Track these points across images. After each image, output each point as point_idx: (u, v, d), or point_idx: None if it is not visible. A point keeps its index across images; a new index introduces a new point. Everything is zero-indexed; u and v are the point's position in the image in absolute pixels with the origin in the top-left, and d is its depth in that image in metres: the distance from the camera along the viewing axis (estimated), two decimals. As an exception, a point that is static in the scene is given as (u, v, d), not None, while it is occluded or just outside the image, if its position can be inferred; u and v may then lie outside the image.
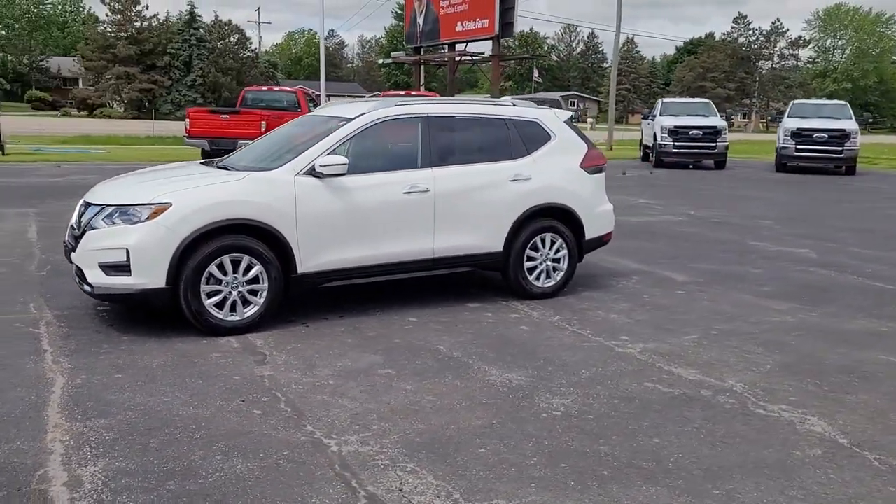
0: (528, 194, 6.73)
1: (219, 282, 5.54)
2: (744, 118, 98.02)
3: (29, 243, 8.96)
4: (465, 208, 6.45)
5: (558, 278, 7.01)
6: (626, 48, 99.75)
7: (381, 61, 78.18)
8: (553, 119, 7.10)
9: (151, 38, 62.30)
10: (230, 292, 5.59)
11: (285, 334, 5.70)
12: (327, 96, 27.61)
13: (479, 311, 6.50)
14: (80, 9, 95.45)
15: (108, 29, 62.96)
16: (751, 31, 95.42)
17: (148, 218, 5.38)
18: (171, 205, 5.40)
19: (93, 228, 5.52)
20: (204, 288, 5.49)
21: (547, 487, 3.51)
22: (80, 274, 5.60)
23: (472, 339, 5.73)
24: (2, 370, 4.78)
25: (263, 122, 18.50)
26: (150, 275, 5.36)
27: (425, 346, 5.52)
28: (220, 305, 5.58)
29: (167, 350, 5.26)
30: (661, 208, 13.81)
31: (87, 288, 5.55)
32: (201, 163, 6.81)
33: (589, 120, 69.81)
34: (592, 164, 7.19)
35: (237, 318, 5.64)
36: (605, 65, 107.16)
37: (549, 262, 6.95)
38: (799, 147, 21.98)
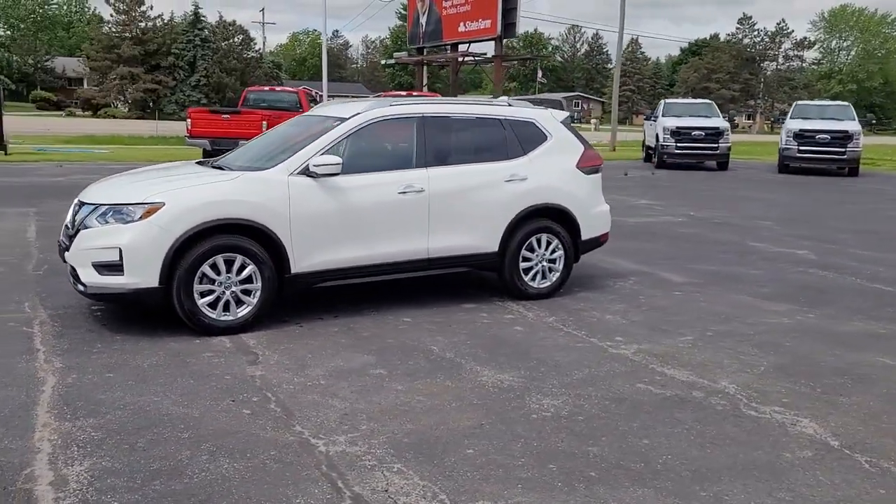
0: (523, 195, 6.71)
1: (212, 281, 5.54)
2: (748, 119, 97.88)
3: (27, 243, 8.97)
4: (460, 208, 6.44)
5: (554, 279, 7.00)
6: (630, 49, 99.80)
7: (383, 62, 78.21)
8: (549, 119, 7.08)
9: (156, 38, 62.46)
10: (223, 292, 5.59)
11: (279, 334, 5.69)
12: (329, 97, 27.62)
13: (474, 312, 6.48)
14: (85, 9, 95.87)
15: (113, 29, 63.13)
16: (755, 32, 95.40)
17: (141, 217, 5.38)
18: (164, 204, 5.39)
19: (86, 228, 5.52)
20: (197, 287, 5.48)
21: (533, 488, 3.49)
22: (74, 273, 5.60)
23: (466, 339, 5.72)
24: (-7, 369, 4.78)
25: (265, 123, 18.51)
26: (142, 274, 5.36)
27: (419, 347, 5.51)
28: (213, 305, 5.57)
29: (160, 350, 5.25)
30: (661, 209, 13.78)
31: (80, 287, 5.55)
32: (196, 162, 6.81)
33: (592, 121, 69.79)
34: (589, 165, 7.17)
35: (230, 317, 5.63)
36: (609, 66, 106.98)
37: (544, 263, 6.93)
38: (801, 148, 21.92)
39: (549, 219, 6.91)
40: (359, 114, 6.24)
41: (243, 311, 5.68)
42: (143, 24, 63.13)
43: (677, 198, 15.78)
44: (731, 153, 23.83)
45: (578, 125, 54.08)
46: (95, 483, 3.41)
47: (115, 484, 3.40)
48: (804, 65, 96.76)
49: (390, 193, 6.16)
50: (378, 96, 18.85)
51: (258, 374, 4.85)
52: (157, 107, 55.87)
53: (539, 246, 6.88)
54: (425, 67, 34.75)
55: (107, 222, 5.47)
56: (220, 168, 6.28)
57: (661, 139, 22.95)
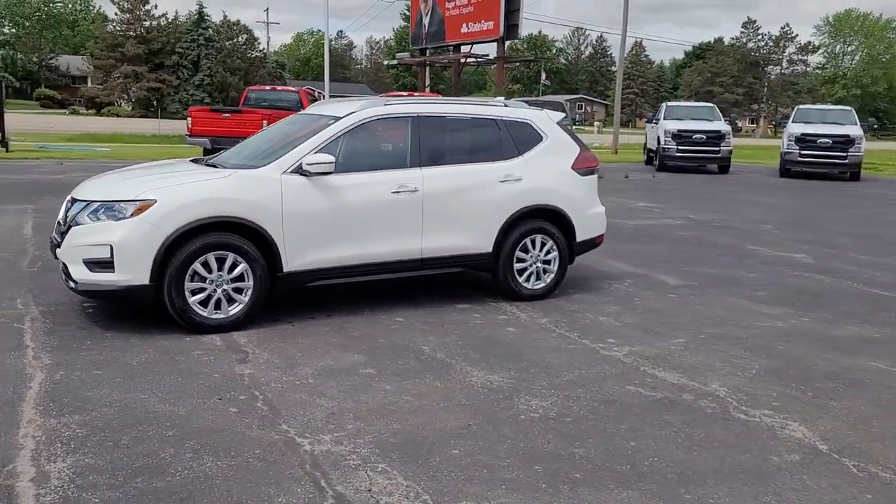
0: (518, 195, 6.69)
1: (203, 279, 5.52)
2: (752, 123, 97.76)
3: (24, 239, 8.97)
4: (453, 209, 6.42)
5: (548, 280, 6.97)
6: (634, 52, 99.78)
7: (386, 62, 78.25)
8: (545, 120, 7.07)
9: (160, 37, 62.48)
10: (215, 290, 5.57)
11: (270, 333, 5.68)
12: (332, 97, 27.62)
13: (467, 312, 6.46)
14: (90, 7, 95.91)
15: (117, 28, 63.17)
16: (760, 36, 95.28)
17: (132, 214, 5.37)
18: (155, 201, 5.38)
19: (78, 224, 5.51)
20: (188, 285, 5.47)
21: (517, 489, 3.47)
22: (66, 270, 5.59)
23: (458, 339, 5.70)
24: (-18, 365, 4.77)
25: (265, 122, 18.50)
26: (133, 271, 5.35)
27: (410, 347, 5.49)
28: (204, 303, 5.56)
29: (149, 347, 5.24)
30: (661, 211, 13.75)
31: (71, 284, 5.55)
32: (191, 160, 6.80)
33: (595, 123, 69.71)
34: (584, 166, 7.15)
35: (222, 315, 5.62)
36: (613, 68, 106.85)
37: (539, 264, 6.91)
38: (803, 152, 21.87)
39: (543, 220, 6.89)
40: (353, 113, 6.23)
41: (235, 310, 5.66)
42: (147, 23, 63.12)
43: (677, 201, 15.75)
44: (732, 157, 23.76)
45: (581, 128, 54.15)
46: (77, 480, 3.39)
47: (96, 481, 3.39)
48: (808, 69, 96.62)
49: (384, 193, 6.14)
50: (382, 97, 18.82)
51: (247, 373, 4.84)
52: (161, 105, 55.91)
53: (533, 247, 6.86)
54: (428, 68, 34.76)
55: (98, 219, 5.46)
56: (214, 166, 6.27)
57: (662, 142, 22.92)
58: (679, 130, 22.68)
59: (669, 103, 26.60)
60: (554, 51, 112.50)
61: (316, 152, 5.90)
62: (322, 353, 5.28)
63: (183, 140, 22.60)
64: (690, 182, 20.31)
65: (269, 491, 3.38)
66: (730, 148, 23.14)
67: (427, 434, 4.03)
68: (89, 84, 70.36)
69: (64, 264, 5.61)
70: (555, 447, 3.93)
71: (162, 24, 63.83)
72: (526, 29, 27.39)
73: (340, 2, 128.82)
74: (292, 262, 5.81)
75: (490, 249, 6.65)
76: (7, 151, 20.70)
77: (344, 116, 6.19)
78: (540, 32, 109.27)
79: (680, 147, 22.62)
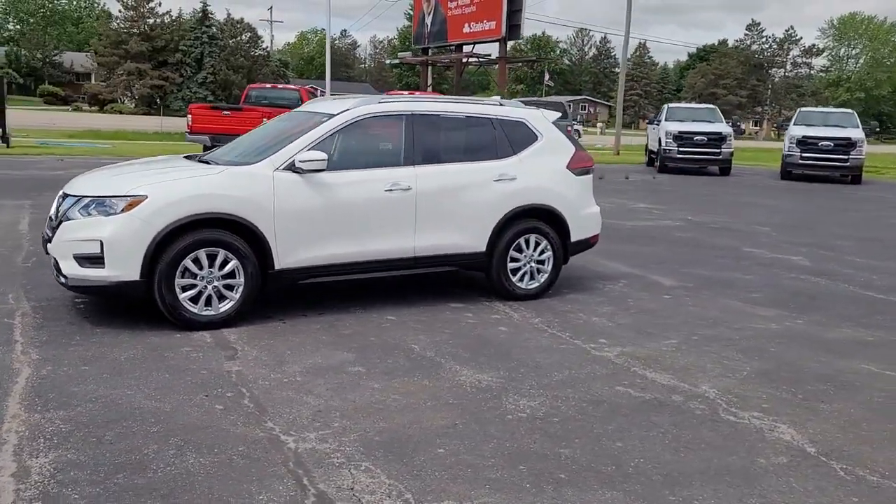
0: (512, 194, 6.67)
1: (194, 276, 5.51)
2: (755, 126, 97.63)
3: (19, 235, 8.96)
4: (447, 207, 6.40)
5: (542, 280, 6.95)
6: (638, 54, 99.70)
7: (388, 62, 78.25)
8: (540, 119, 7.04)
9: (164, 34, 62.51)
10: (205, 287, 5.56)
11: (260, 330, 5.66)
12: (333, 95, 27.61)
13: (460, 312, 6.44)
14: (95, 4, 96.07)
15: (121, 25, 63.21)
16: (764, 39, 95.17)
17: (123, 210, 5.35)
18: (146, 197, 5.37)
19: (68, 219, 5.50)
20: (179, 282, 5.46)
21: (501, 489, 3.45)
22: (56, 265, 5.58)
23: (449, 338, 5.68)
24: (-31, 359, 4.76)
25: (265, 120, 18.45)
26: (123, 267, 5.33)
27: (400, 345, 5.47)
28: (195, 299, 5.55)
29: (138, 343, 5.23)
30: (660, 213, 13.72)
31: (62, 279, 5.53)
32: (184, 157, 6.78)
33: (598, 125, 69.59)
34: (579, 166, 7.12)
35: (212, 312, 5.61)
36: (616, 69, 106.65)
37: (533, 264, 6.89)
38: (804, 155, 21.81)
39: (538, 219, 6.86)
40: (347, 110, 6.21)
41: (225, 307, 5.65)
42: (151, 21, 63.18)
43: (677, 202, 15.72)
44: (733, 159, 23.71)
45: (584, 129, 53.99)
46: (58, 475, 3.38)
47: (77, 477, 3.37)
48: (812, 72, 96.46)
49: (377, 191, 6.12)
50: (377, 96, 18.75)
51: (235, 370, 4.82)
52: (164, 103, 55.91)
53: (527, 247, 6.84)
54: (430, 68, 34.74)
55: (89, 214, 5.44)
56: (207, 163, 6.25)
57: (663, 143, 22.88)
58: (680, 132, 22.63)
59: (671, 105, 26.55)
60: (558, 52, 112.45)
61: (309, 149, 5.88)
62: (311, 350, 5.27)
63: (184, 137, 22.58)
64: (691, 184, 20.27)
65: (251, 488, 3.36)
66: (731, 150, 23.09)
67: (413, 433, 4.01)
68: (93, 81, 70.44)
69: (55, 259, 5.59)
70: (541, 447, 3.91)
71: (166, 21, 63.86)
72: (530, 29, 27.44)
73: (344, 1, 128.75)
74: (284, 259, 5.80)
75: (484, 249, 6.63)
76: (8, 147, 20.71)
77: (338, 114, 6.17)
78: (544, 33, 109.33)
79: (681, 149, 22.57)
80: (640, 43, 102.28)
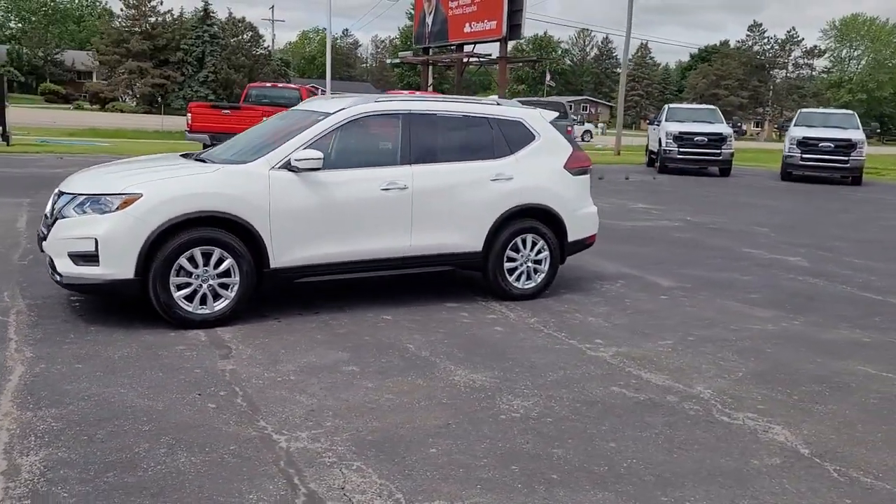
0: (509, 194, 6.66)
1: (189, 274, 5.50)
2: (757, 127, 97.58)
3: (17, 233, 8.96)
4: (443, 206, 6.39)
5: (539, 280, 6.94)
6: (639, 54, 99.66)
7: (388, 61, 78.24)
8: (538, 119, 7.03)
9: (165, 33, 62.60)
10: (200, 285, 5.55)
11: (255, 329, 5.65)
12: (332, 94, 27.58)
13: (455, 311, 6.43)
14: (97, 3, 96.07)
15: (123, 24, 63.27)
16: (765, 40, 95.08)
17: (118, 208, 5.34)
18: (141, 195, 5.36)
19: (63, 217, 5.49)
20: (174, 280, 5.45)
21: (493, 489, 3.44)
22: (51, 263, 5.57)
23: (444, 338, 5.67)
24: (-37, 357, 4.75)
25: (265, 119, 18.46)
26: (118, 265, 5.32)
27: (395, 345, 5.46)
28: (190, 298, 5.54)
29: (133, 341, 5.22)
30: (658, 213, 13.70)
31: (57, 277, 5.52)
32: (181, 155, 6.77)
33: (600, 125, 69.50)
34: (577, 166, 7.11)
35: (207, 311, 5.60)
36: (618, 70, 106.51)
37: (529, 264, 6.87)
38: (804, 156, 21.78)
39: (534, 219, 6.85)
40: (343, 109, 6.20)
41: (220, 305, 5.64)
42: (152, 19, 63.26)
43: (676, 203, 15.70)
44: (734, 159, 23.69)
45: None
46: (48, 474, 3.37)
47: (67, 475, 3.36)
48: (814, 73, 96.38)
49: (373, 189, 6.11)
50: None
51: (229, 369, 4.81)
52: (165, 102, 55.93)
53: (524, 246, 6.82)
54: (431, 68, 34.72)
55: (84, 212, 5.43)
56: (203, 161, 6.24)
57: (663, 144, 22.85)
58: (681, 132, 22.60)
59: (671, 105, 26.50)
60: (559, 52, 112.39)
61: (305, 148, 5.87)
62: (306, 349, 5.26)
63: (184, 136, 22.58)
64: (690, 184, 20.25)
65: (241, 487, 3.35)
66: (731, 150, 23.05)
67: (405, 432, 4.00)
68: (94, 79, 70.49)
69: (50, 257, 5.59)
70: (533, 447, 3.90)
71: (167, 20, 63.94)
72: (532, 30, 27.40)
73: (346, 0, 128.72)
74: (279, 258, 5.79)
75: (480, 248, 6.62)
76: (8, 145, 20.72)
77: (334, 113, 6.16)
78: (545, 33, 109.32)
79: (681, 149, 22.54)
80: (641, 43, 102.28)
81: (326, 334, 5.62)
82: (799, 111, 25.21)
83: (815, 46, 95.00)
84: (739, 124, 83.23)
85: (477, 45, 29.29)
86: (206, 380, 4.60)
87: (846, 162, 21.54)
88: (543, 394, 4.63)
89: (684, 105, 28.49)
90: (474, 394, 4.59)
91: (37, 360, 4.78)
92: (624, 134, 36.01)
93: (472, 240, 6.56)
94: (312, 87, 27.00)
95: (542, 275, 6.95)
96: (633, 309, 6.79)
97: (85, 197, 5.49)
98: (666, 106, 26.12)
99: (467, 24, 28.17)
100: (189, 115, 19.77)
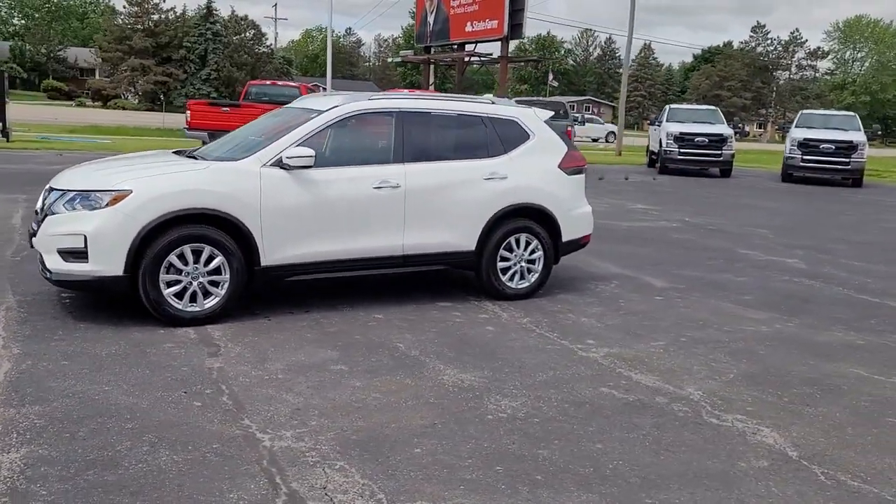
0: (503, 193, 6.63)
1: (179, 271, 5.48)
2: (759, 128, 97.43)
3: (11, 229, 8.94)
4: (436, 205, 6.36)
5: (532, 280, 6.91)
6: (643, 55, 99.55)
7: (390, 60, 78.19)
8: (532, 118, 7.00)
9: (168, 31, 62.58)
10: (190, 282, 5.53)
11: (245, 327, 5.62)
12: (331, 92, 27.54)
13: (448, 311, 6.40)
14: (100, 0, 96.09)
15: (125, 21, 63.28)
16: (769, 41, 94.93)
17: (107, 204, 5.32)
18: (131, 192, 5.34)
19: (53, 213, 5.47)
20: (163, 277, 5.42)
21: (476, 490, 3.42)
22: (42, 259, 5.55)
23: (434, 337, 5.64)
24: (-51, 353, 4.73)
25: (264, 117, 18.42)
26: (107, 262, 5.30)
27: (385, 344, 5.43)
28: (179, 295, 5.51)
29: (121, 339, 5.19)
30: (657, 214, 13.66)
31: (47, 274, 5.50)
32: (173, 152, 6.75)
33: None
34: (571, 166, 7.07)
35: (197, 308, 5.57)
36: (621, 70, 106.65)
37: (523, 264, 6.84)
38: (805, 157, 21.72)
39: (528, 219, 6.82)
40: (336, 107, 6.17)
41: (210, 303, 5.61)
42: (155, 17, 63.26)
43: (675, 203, 15.66)
44: (735, 160, 23.64)
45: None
46: (27, 471, 3.34)
47: (47, 473, 3.34)
48: (817, 75, 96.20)
49: (365, 188, 6.08)
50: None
51: (216, 367, 4.79)
52: (167, 99, 55.89)
53: (518, 246, 6.79)
54: (433, 67, 34.69)
55: (74, 209, 5.41)
56: (195, 158, 6.22)
57: (664, 144, 22.80)
58: (681, 133, 22.55)
59: (672, 106, 26.43)
60: (562, 52, 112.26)
61: (297, 146, 5.84)
62: (295, 348, 5.23)
63: (184, 133, 22.56)
64: (691, 185, 20.20)
65: (222, 486, 3.33)
66: (732, 152, 23.00)
67: (390, 432, 3.97)
68: (97, 76, 70.50)
69: (40, 254, 5.57)
70: (519, 448, 3.87)
71: (170, 17, 63.93)
72: (535, 30, 27.36)
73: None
74: (270, 256, 5.76)
75: (473, 247, 6.59)
76: (8, 141, 20.71)
77: (326, 110, 6.14)
78: (549, 33, 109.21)
79: (682, 150, 22.49)
80: (644, 44, 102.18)
81: (317, 333, 5.60)
82: (800, 112, 25.14)
83: (819, 48, 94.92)
84: (741, 125, 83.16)
85: (478, 45, 29.25)
86: (192, 378, 4.58)
87: (847, 164, 21.48)
88: (532, 394, 4.61)
89: (685, 106, 28.44)
90: (462, 394, 4.56)
91: (24, 356, 4.76)
92: (626, 134, 35.94)
93: (465, 239, 6.53)
94: (314, 85, 26.96)
95: (536, 274, 6.92)
96: (627, 310, 6.76)
97: (75, 193, 5.47)
98: (667, 106, 26.07)
99: (469, 24, 28.13)
100: (188, 112, 19.74)
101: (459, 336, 5.72)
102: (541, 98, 40.34)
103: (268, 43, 71.07)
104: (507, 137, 6.79)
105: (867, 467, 3.84)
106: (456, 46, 30.27)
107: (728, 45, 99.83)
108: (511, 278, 6.82)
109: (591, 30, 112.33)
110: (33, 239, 5.63)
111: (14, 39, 76.67)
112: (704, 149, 22.55)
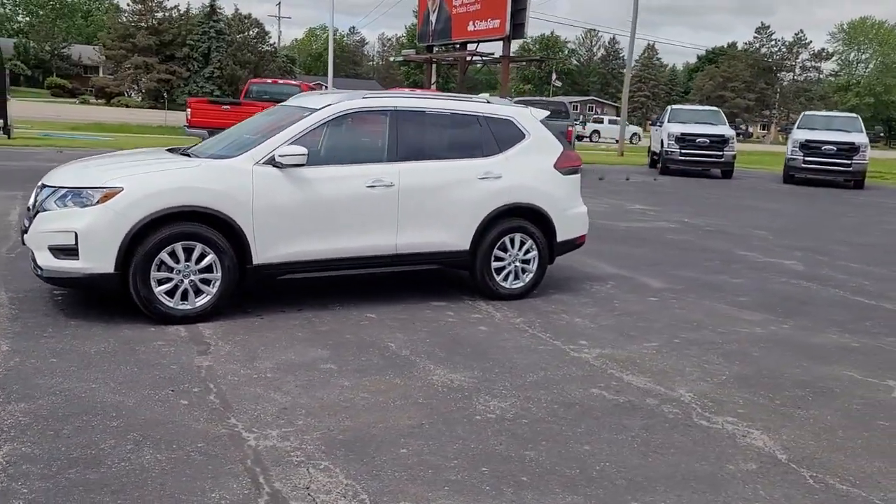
0: (497, 193, 6.60)
1: (170, 269, 5.46)
2: (763, 129, 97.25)
3: (7, 225, 8.94)
4: (430, 204, 6.33)
5: (527, 280, 6.88)
6: (646, 55, 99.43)
7: (392, 59, 78.16)
8: (528, 118, 6.97)
9: (171, 28, 62.61)
10: (182, 280, 5.51)
11: (236, 325, 5.61)
12: (328, 91, 27.48)
13: (441, 310, 6.38)
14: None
15: (129, 19, 63.33)
16: (773, 42, 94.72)
17: (98, 202, 5.30)
18: (122, 189, 5.32)
19: (44, 210, 5.45)
20: (154, 275, 5.41)
21: (460, 491, 3.39)
22: (33, 256, 5.54)
23: (426, 337, 5.62)
24: (-62, 350, 4.72)
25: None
26: (98, 259, 5.29)
27: (376, 343, 5.41)
28: (171, 293, 5.50)
29: (111, 336, 5.18)
30: (655, 215, 13.63)
31: (38, 271, 5.49)
32: (167, 149, 6.73)
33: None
34: (567, 165, 7.04)
35: (188, 306, 5.55)
36: (625, 70, 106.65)
37: (517, 263, 6.82)
38: (807, 159, 21.66)
39: (523, 218, 6.79)
40: (329, 105, 6.15)
41: (202, 301, 5.60)
42: (159, 15, 63.32)
43: (675, 204, 15.62)
44: (736, 161, 23.58)
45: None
46: (9, 469, 3.33)
47: (29, 471, 3.32)
48: (821, 76, 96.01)
49: (358, 186, 6.06)
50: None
51: (205, 365, 4.77)
52: (170, 97, 55.90)
53: (512, 246, 6.77)
54: (435, 66, 34.63)
55: (65, 205, 5.40)
56: (188, 156, 6.20)
57: (665, 145, 22.75)
58: (683, 134, 22.50)
59: (674, 106, 26.38)
60: (566, 52, 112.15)
61: (290, 144, 5.82)
62: (285, 347, 5.21)
63: (184, 131, 22.57)
64: (691, 186, 20.15)
65: (205, 486, 3.31)
66: (733, 153, 22.93)
67: (377, 432, 3.95)
68: (100, 74, 70.61)
69: (32, 250, 5.55)
70: (506, 449, 3.84)
71: (174, 15, 63.97)
72: (539, 29, 27.24)
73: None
74: (262, 254, 5.74)
75: (467, 247, 6.56)
76: (9, 138, 20.73)
77: (320, 109, 6.12)
78: (552, 33, 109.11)
79: (683, 151, 22.45)
80: (648, 44, 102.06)
81: (308, 332, 5.58)
82: (802, 114, 25.07)
83: (823, 49, 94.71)
84: (743, 126, 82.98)
85: (481, 44, 29.19)
86: (180, 376, 4.56)
87: (849, 165, 21.42)
88: (521, 395, 4.58)
89: (687, 106, 28.36)
90: (451, 394, 4.54)
91: (12, 353, 4.74)
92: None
93: (459, 238, 6.50)
94: (316, 84, 26.92)
95: (531, 275, 6.89)
96: (622, 310, 6.73)
97: (66, 190, 5.46)
98: (669, 107, 26.02)
99: (471, 23, 28.07)
100: (188, 110, 19.74)
101: (451, 336, 5.69)
102: (542, 98, 40.26)
103: (271, 41, 71.08)
104: (503, 137, 6.76)
105: (856, 471, 3.81)
106: (458, 46, 30.21)
107: (732, 45, 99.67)
108: (505, 278, 6.79)
109: (594, 30, 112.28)
110: (25, 236, 5.61)
111: (18, 37, 76.81)
112: (706, 150, 22.50)
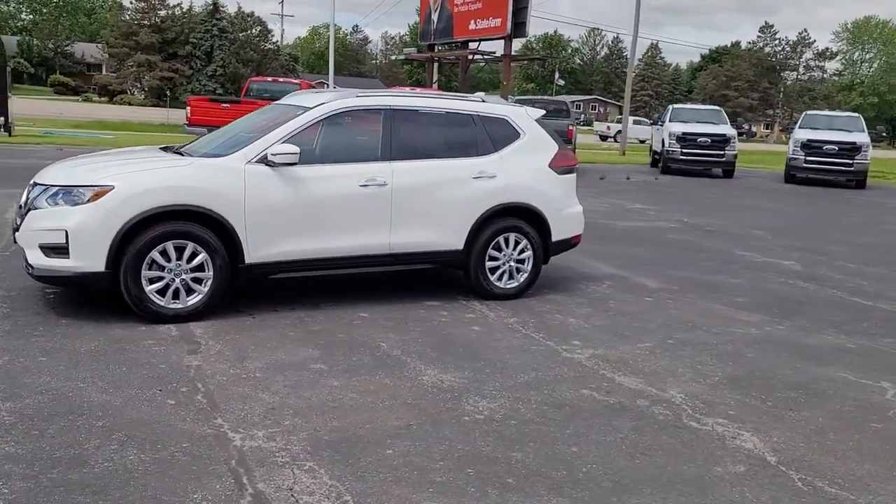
0: (492, 192, 6.57)
1: (161, 268, 5.44)
2: (766, 129, 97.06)
3: (3, 223, 8.93)
4: (424, 204, 6.31)
5: (521, 280, 6.86)
6: (649, 54, 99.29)
7: (393, 58, 78.13)
8: (523, 117, 6.94)
9: (174, 27, 62.57)
10: (173, 279, 5.49)
11: (227, 324, 5.59)
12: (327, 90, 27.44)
13: (434, 310, 6.35)
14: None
15: (132, 16, 63.35)
16: (777, 41, 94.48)
17: (89, 200, 5.29)
18: (113, 187, 5.30)
19: (36, 208, 5.44)
20: (145, 274, 5.39)
21: (444, 493, 3.37)
22: (24, 254, 5.53)
23: (418, 337, 5.60)
24: (-74, 348, 4.71)
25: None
26: (88, 258, 5.27)
27: (367, 343, 5.39)
28: (162, 292, 5.48)
29: (101, 335, 5.16)
30: (654, 214, 13.59)
31: (29, 269, 5.48)
32: (161, 148, 6.72)
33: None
34: (562, 165, 7.02)
35: (179, 305, 5.54)
36: (628, 69, 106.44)
37: (512, 263, 6.79)
38: (808, 159, 21.58)
39: (518, 218, 6.77)
40: (323, 104, 6.13)
41: (193, 300, 5.58)
42: (162, 13, 63.31)
43: (675, 204, 15.58)
44: (738, 161, 23.50)
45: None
46: (-9, 469, 3.31)
47: (11, 470, 3.31)
48: (825, 76, 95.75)
49: (351, 186, 6.04)
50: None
51: (194, 364, 4.75)
52: (173, 95, 55.90)
53: (507, 245, 6.74)
54: (436, 65, 34.58)
55: (56, 204, 5.38)
56: (181, 154, 6.18)
57: (666, 144, 22.69)
58: (684, 133, 22.43)
59: (675, 105, 26.31)
60: (569, 51, 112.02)
61: (282, 142, 5.80)
62: (276, 346, 5.19)
63: (184, 129, 22.56)
64: (692, 185, 20.10)
65: (187, 486, 3.29)
66: (734, 152, 22.85)
67: (364, 433, 3.93)
68: (103, 72, 70.63)
69: (23, 248, 5.54)
70: (493, 450, 3.82)
71: (176, 14, 63.95)
72: (542, 28, 27.15)
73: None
74: (255, 253, 5.72)
75: (461, 247, 6.54)
76: (10, 136, 20.74)
77: (313, 107, 6.09)
78: (556, 32, 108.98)
79: (684, 150, 22.38)
80: (651, 43, 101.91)
81: (299, 331, 5.56)
82: (804, 113, 24.99)
83: (827, 49, 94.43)
84: (746, 126, 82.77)
85: (482, 43, 29.14)
86: (169, 375, 4.55)
87: (850, 165, 21.34)
88: (511, 395, 4.56)
89: (688, 105, 28.30)
90: (440, 394, 4.52)
91: (1, 352, 4.73)
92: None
93: (452, 238, 6.48)
94: (317, 82, 26.90)
95: (525, 274, 6.87)
96: (617, 311, 6.70)
97: (57, 188, 5.44)
98: (670, 106, 25.95)
99: (472, 22, 28.03)
100: (188, 108, 19.75)
101: (444, 336, 5.67)
102: (543, 97, 40.22)
103: (274, 40, 71.06)
104: (497, 136, 6.73)
105: (846, 473, 3.78)
106: (459, 44, 30.17)
107: (736, 45, 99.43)
108: (500, 278, 6.77)
109: (598, 29, 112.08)
110: (16, 234, 5.60)
111: (22, 34, 76.90)
112: (707, 149, 22.43)
